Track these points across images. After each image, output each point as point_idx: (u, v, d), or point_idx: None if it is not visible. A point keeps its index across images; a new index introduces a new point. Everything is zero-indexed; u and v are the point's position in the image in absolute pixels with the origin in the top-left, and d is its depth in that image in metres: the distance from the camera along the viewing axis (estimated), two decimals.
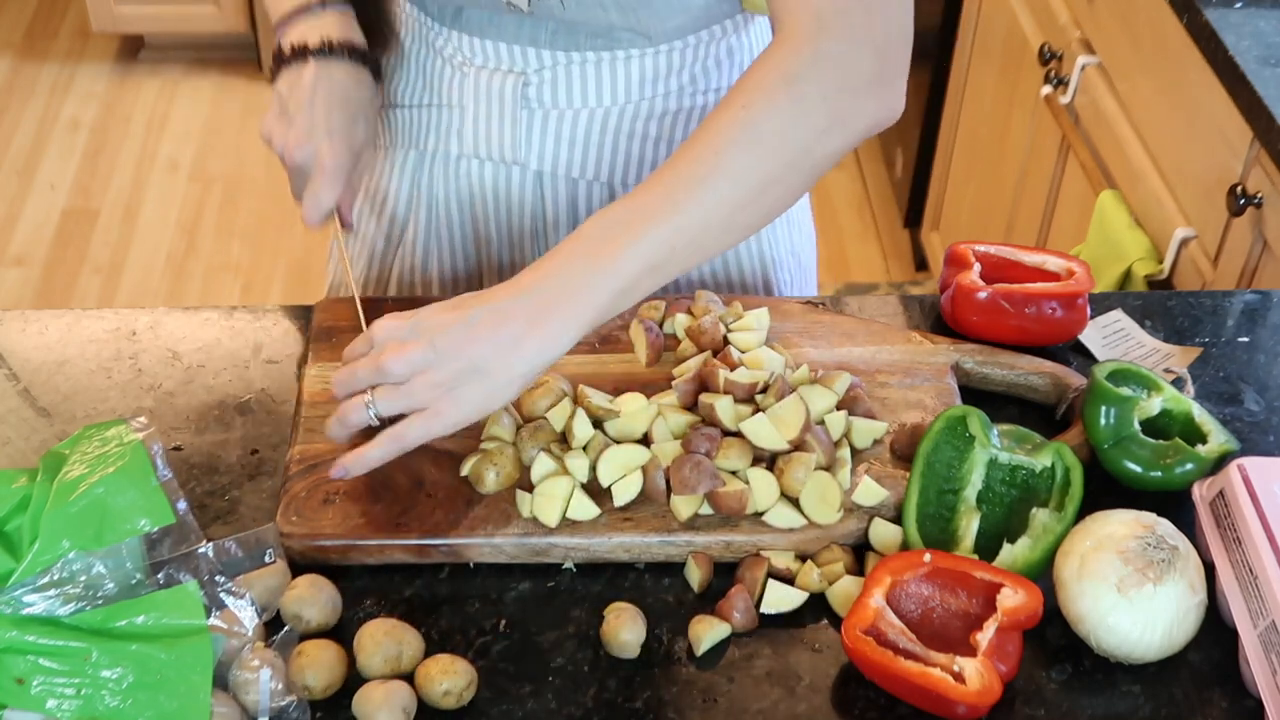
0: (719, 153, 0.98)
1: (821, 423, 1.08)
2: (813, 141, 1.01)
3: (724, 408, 1.06)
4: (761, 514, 1.03)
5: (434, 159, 1.31)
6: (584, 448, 1.05)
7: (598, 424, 1.07)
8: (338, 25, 1.22)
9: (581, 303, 0.96)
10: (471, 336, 0.96)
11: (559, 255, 0.98)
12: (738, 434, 1.05)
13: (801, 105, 1.00)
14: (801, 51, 1.00)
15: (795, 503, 1.04)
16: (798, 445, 1.04)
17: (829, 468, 1.05)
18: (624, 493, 1.02)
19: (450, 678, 0.92)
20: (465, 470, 1.05)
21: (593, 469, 1.04)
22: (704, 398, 1.08)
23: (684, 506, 1.02)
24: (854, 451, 1.09)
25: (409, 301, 1.24)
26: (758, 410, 1.06)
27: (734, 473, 1.04)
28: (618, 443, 1.06)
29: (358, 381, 0.99)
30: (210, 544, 0.99)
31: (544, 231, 1.30)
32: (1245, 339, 1.25)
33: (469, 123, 1.26)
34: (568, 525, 1.02)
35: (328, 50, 1.20)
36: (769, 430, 1.04)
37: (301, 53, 1.20)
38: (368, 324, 1.08)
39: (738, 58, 1.26)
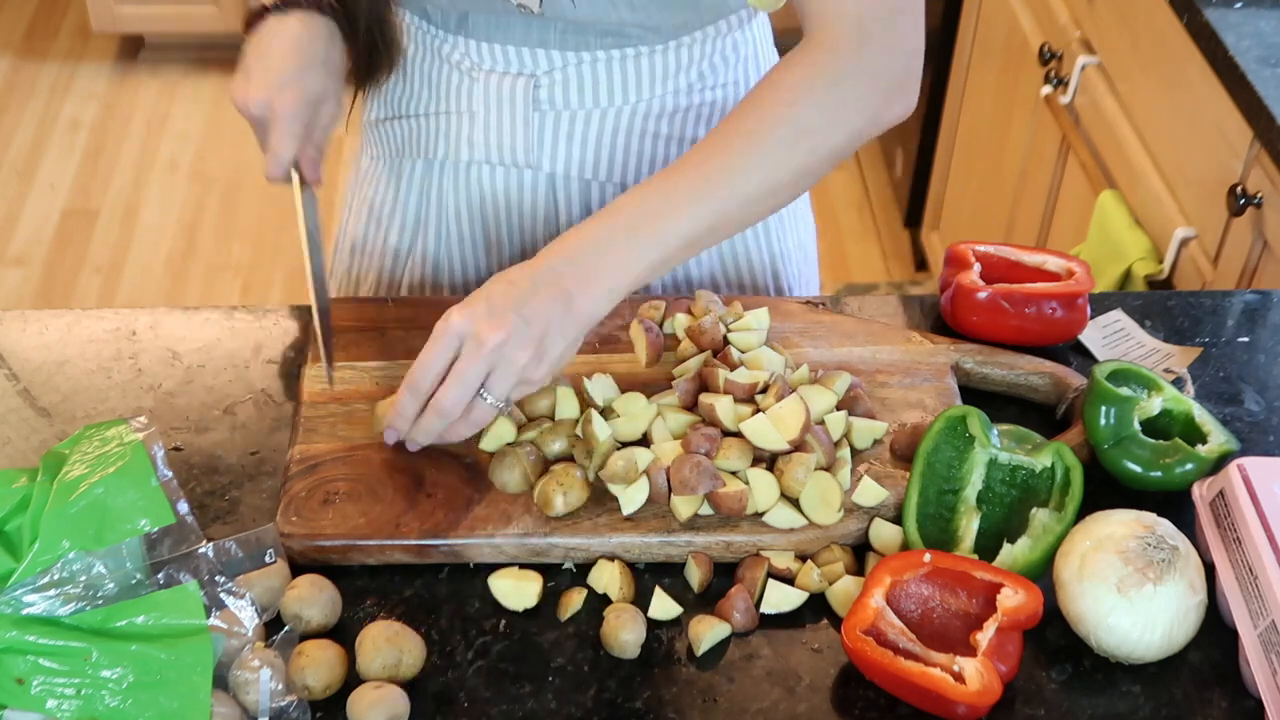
0: (761, 144, 1.04)
1: (821, 423, 1.08)
2: (848, 139, 1.08)
3: (724, 408, 1.06)
4: (761, 514, 1.03)
5: (444, 167, 1.30)
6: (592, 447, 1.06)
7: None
8: None
9: (622, 270, 1.01)
10: (544, 298, 0.99)
11: (600, 224, 1.02)
12: (738, 434, 1.05)
13: (843, 106, 1.06)
14: (844, 56, 1.06)
15: (795, 503, 1.04)
16: (798, 445, 1.04)
17: (829, 468, 1.05)
18: (631, 501, 1.02)
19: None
20: (535, 495, 1.03)
21: (598, 470, 1.04)
22: (704, 398, 1.08)
23: (684, 506, 1.02)
24: (854, 451, 1.09)
25: (413, 303, 1.23)
26: (758, 410, 1.06)
27: (734, 473, 1.04)
28: (621, 445, 1.06)
29: (470, 383, 0.99)
30: (210, 544, 0.99)
31: (558, 234, 1.29)
32: (1245, 339, 1.25)
33: (480, 128, 1.26)
34: (568, 524, 1.02)
35: (283, 5, 1.19)
36: (769, 430, 1.04)
37: (262, 12, 1.19)
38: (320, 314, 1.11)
39: (743, 52, 1.27)
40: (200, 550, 0.98)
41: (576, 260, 1.01)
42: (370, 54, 1.24)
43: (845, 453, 1.07)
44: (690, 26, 1.21)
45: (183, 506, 1.00)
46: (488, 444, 1.08)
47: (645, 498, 1.02)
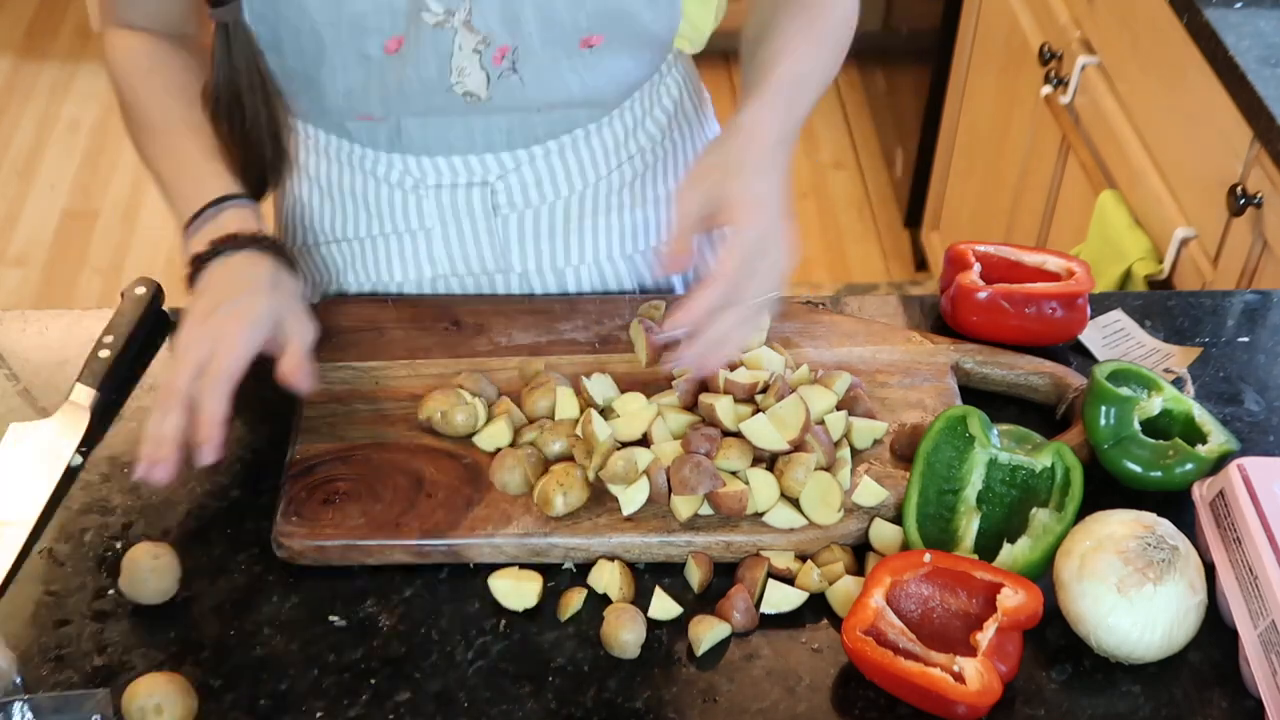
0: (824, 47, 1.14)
1: (821, 423, 1.08)
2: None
3: (724, 408, 1.06)
4: (761, 514, 1.03)
5: (401, 287, 1.25)
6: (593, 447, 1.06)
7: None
8: (236, 221, 1.08)
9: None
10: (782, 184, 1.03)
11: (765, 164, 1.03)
12: (738, 434, 1.05)
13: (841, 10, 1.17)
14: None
15: (795, 503, 1.04)
16: (798, 445, 1.04)
17: (829, 468, 1.05)
18: (631, 501, 1.02)
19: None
20: (535, 495, 1.03)
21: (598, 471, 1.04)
22: (704, 398, 1.08)
23: (684, 506, 1.02)
24: (854, 451, 1.09)
25: (413, 303, 1.23)
26: (758, 410, 1.06)
27: (734, 473, 1.04)
28: (621, 445, 1.06)
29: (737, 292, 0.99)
30: (28, 700, 0.90)
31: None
32: (1245, 339, 1.25)
33: (439, 244, 1.23)
34: (568, 524, 1.02)
35: (217, 250, 1.06)
36: (769, 430, 1.04)
37: (197, 262, 1.06)
38: None
39: (676, 95, 1.26)
40: (14, 703, 0.90)
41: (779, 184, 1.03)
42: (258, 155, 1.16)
43: (845, 453, 1.07)
44: (631, 88, 1.20)
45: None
46: (487, 444, 1.08)
47: (645, 498, 1.02)
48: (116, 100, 1.17)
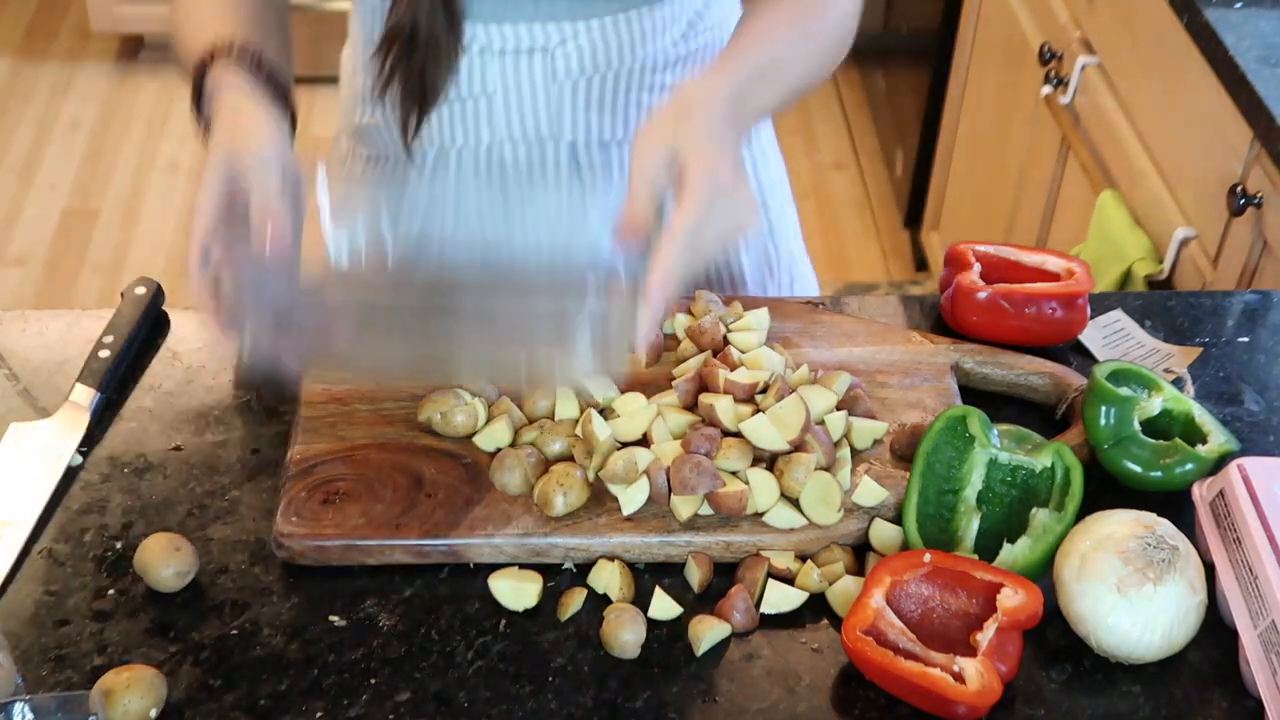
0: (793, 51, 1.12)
1: (821, 423, 1.08)
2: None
3: (724, 408, 1.06)
4: (761, 514, 1.03)
5: (461, 153, 1.30)
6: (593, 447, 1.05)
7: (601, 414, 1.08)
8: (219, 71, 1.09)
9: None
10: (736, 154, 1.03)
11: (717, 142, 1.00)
12: (738, 434, 1.05)
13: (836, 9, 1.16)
14: None
15: (795, 503, 1.04)
16: (798, 445, 1.04)
17: (829, 468, 1.05)
18: (631, 501, 1.02)
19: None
20: (535, 495, 1.03)
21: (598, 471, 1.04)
22: (704, 398, 1.08)
23: (684, 507, 1.02)
24: (854, 451, 1.09)
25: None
26: (758, 410, 1.06)
27: (734, 473, 1.04)
28: (621, 445, 1.06)
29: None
30: (28, 700, 0.91)
31: (581, 201, 1.31)
32: (1245, 339, 1.25)
33: (500, 109, 1.27)
34: (568, 524, 1.02)
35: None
36: (769, 430, 1.04)
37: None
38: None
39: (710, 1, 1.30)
40: (14, 703, 0.91)
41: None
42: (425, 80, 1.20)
43: (845, 453, 1.07)
44: None
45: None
46: (487, 444, 1.08)
47: (645, 498, 1.02)
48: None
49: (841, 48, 1.18)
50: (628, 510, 1.02)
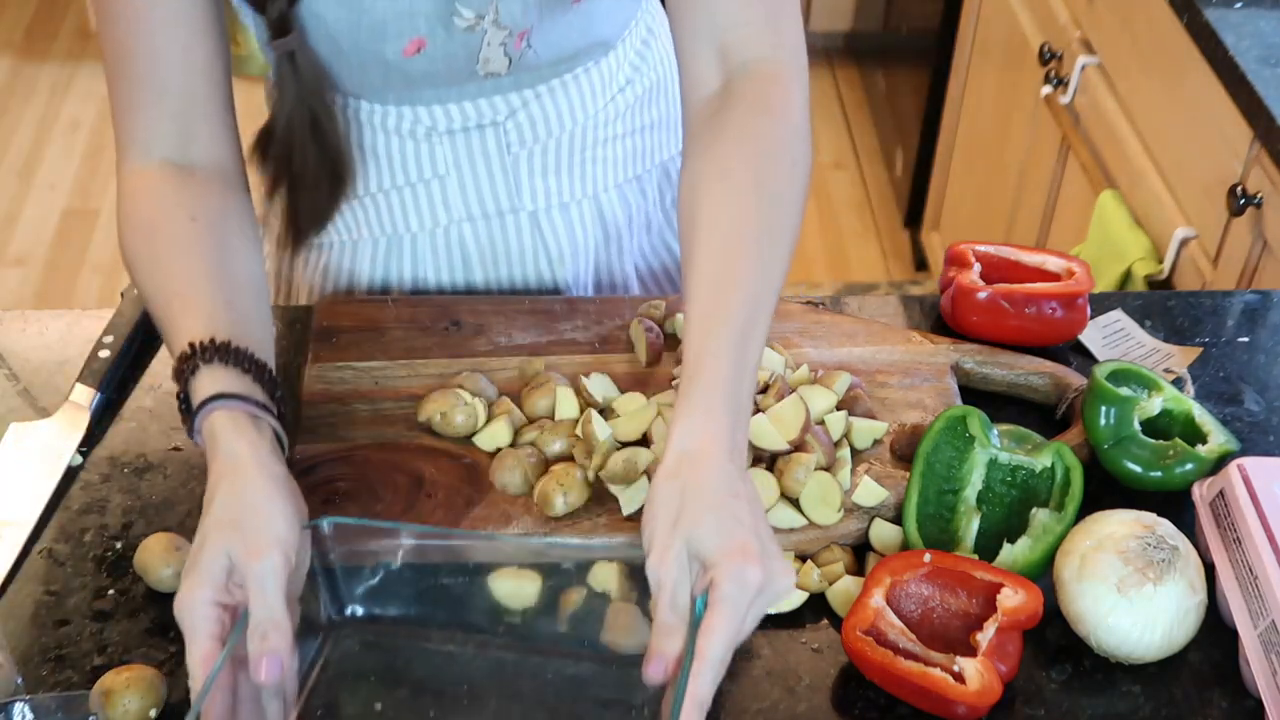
0: (762, 263, 0.95)
1: (821, 423, 1.08)
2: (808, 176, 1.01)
3: None
4: None
5: (415, 239, 1.25)
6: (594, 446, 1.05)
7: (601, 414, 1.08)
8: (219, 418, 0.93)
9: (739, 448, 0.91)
10: (753, 512, 0.88)
11: (709, 459, 0.89)
12: None
13: (801, 169, 1.00)
14: (786, 116, 1.01)
15: (795, 503, 1.04)
16: (798, 445, 1.04)
17: (829, 468, 1.05)
18: (631, 501, 1.02)
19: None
20: (535, 495, 1.03)
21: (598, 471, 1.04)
22: None
23: None
24: (854, 451, 1.09)
25: (413, 303, 1.23)
26: (758, 410, 1.06)
27: None
28: (621, 445, 1.06)
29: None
30: (28, 700, 0.91)
31: (550, 267, 1.28)
32: (1245, 339, 1.25)
33: (454, 190, 1.22)
34: (568, 524, 1.02)
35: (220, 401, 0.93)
36: (769, 430, 1.04)
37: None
38: None
39: (653, 27, 1.28)
40: (14, 703, 0.90)
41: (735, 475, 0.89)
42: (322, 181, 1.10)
43: (845, 453, 1.07)
44: (624, 24, 1.22)
45: None
46: (487, 444, 1.08)
47: (645, 497, 1.02)
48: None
49: (802, 198, 1.00)
50: (628, 510, 1.02)
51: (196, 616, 0.85)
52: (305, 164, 1.09)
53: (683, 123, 1.07)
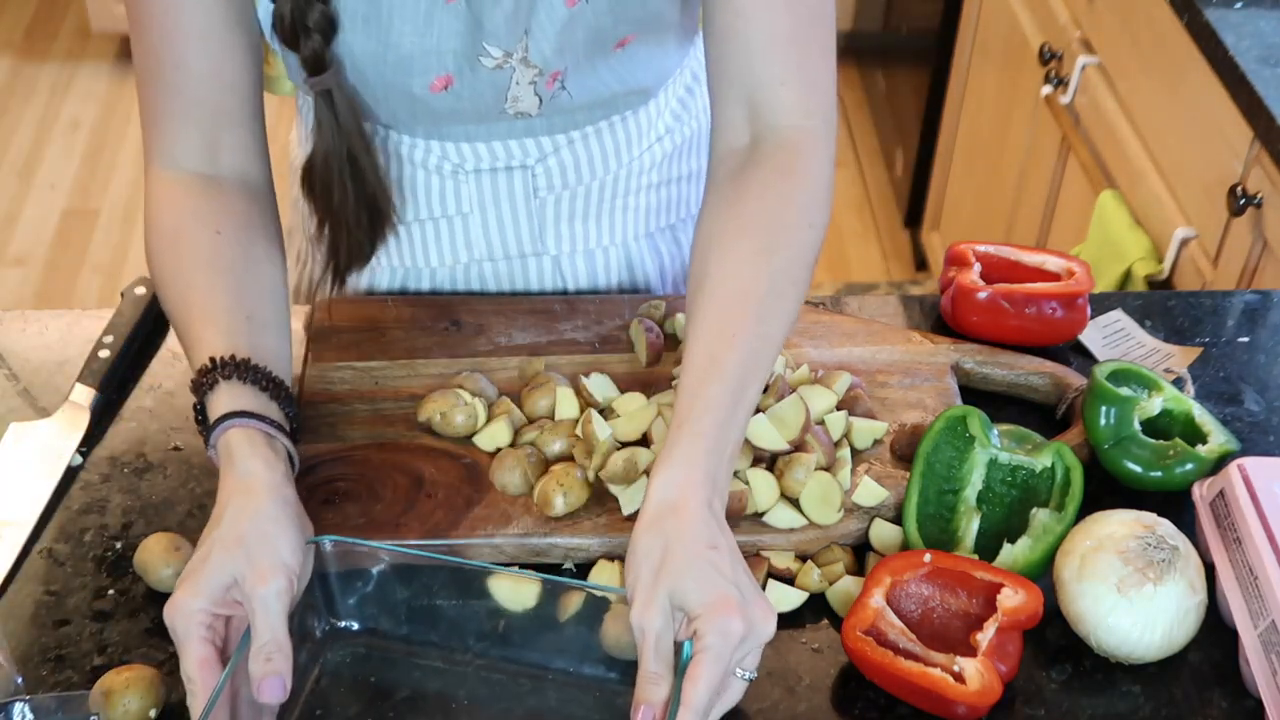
0: (768, 323, 0.97)
1: (821, 423, 1.08)
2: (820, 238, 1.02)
3: None
4: (762, 514, 1.03)
5: (435, 274, 1.25)
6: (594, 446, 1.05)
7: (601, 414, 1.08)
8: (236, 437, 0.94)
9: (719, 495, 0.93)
10: (733, 563, 0.89)
11: (689, 510, 0.90)
12: None
13: (817, 231, 1.01)
14: (809, 173, 1.01)
15: (795, 503, 1.04)
16: (798, 446, 1.04)
17: (829, 468, 1.05)
18: (631, 501, 1.02)
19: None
20: (535, 495, 1.03)
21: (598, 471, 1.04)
22: None
23: None
24: (854, 451, 1.09)
25: (413, 303, 1.23)
26: (758, 410, 1.06)
27: (734, 473, 1.04)
28: (621, 445, 1.06)
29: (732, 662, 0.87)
30: (28, 700, 0.91)
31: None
32: (1245, 339, 1.25)
33: (477, 228, 1.22)
34: (568, 524, 1.02)
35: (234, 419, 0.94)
36: (769, 430, 1.04)
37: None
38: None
39: (699, 75, 1.25)
40: (14, 703, 0.91)
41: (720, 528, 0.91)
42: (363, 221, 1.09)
43: (845, 453, 1.07)
44: (667, 74, 1.19)
45: None
46: (487, 444, 1.08)
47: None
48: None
49: (807, 279, 1.01)
50: (628, 510, 1.02)
51: (191, 623, 0.86)
52: (345, 202, 1.09)
53: (708, 166, 1.07)
